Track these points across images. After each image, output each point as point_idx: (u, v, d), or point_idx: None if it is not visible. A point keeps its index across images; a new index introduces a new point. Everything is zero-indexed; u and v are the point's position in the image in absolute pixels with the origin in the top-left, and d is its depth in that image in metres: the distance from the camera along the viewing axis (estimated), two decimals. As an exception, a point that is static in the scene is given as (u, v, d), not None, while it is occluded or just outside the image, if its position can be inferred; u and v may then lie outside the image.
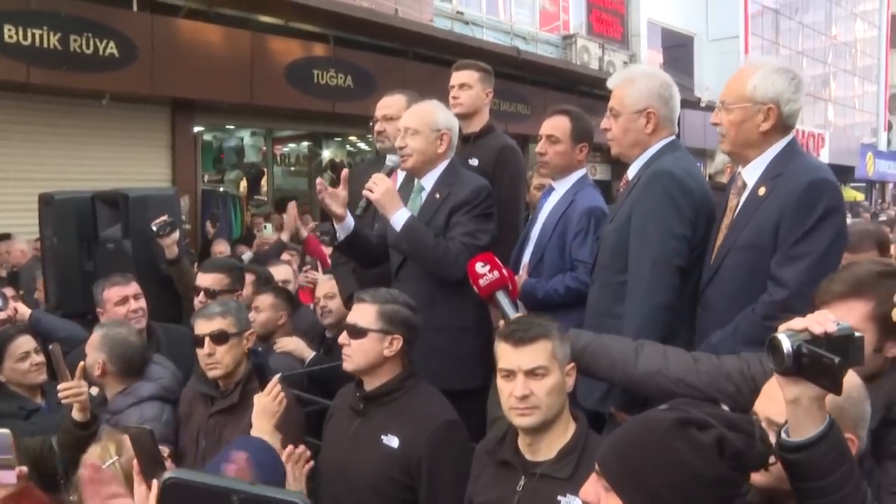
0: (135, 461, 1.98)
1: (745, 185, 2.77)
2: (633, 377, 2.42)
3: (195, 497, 1.40)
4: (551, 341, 2.32)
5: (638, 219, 2.90)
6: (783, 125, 2.70)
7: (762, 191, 2.67)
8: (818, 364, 1.52)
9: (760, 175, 2.71)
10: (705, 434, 1.50)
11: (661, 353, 2.43)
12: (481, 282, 2.87)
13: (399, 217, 3.44)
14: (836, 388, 1.51)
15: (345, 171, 3.81)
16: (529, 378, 2.30)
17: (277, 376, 2.97)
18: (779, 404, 1.68)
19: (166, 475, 1.42)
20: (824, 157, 26.25)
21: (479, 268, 2.83)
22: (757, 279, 2.63)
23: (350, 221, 3.64)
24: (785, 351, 1.55)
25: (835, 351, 1.51)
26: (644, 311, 2.79)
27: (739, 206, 2.75)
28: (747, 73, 2.71)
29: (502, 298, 2.84)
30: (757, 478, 1.67)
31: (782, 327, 1.61)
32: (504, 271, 2.87)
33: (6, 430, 2.66)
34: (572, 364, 2.36)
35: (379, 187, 3.45)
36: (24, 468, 2.61)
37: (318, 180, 3.65)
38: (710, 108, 19.22)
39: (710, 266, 2.79)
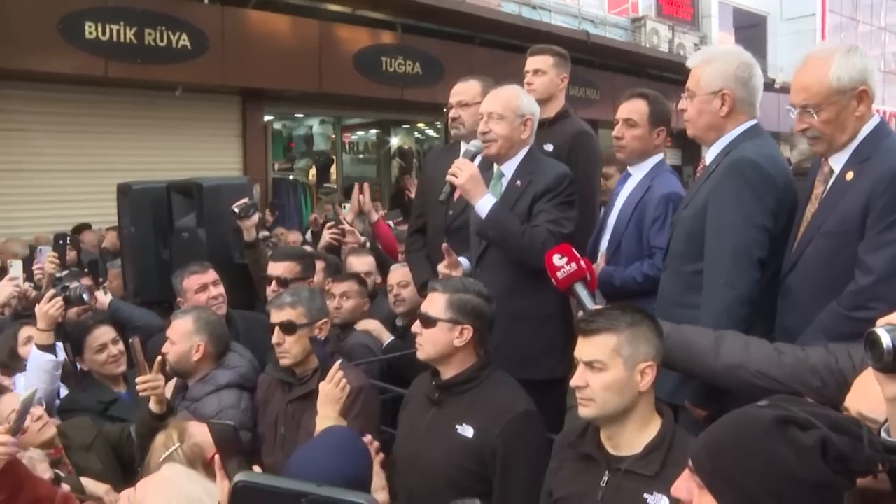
0: (217, 456, 2.01)
1: (831, 171, 2.64)
2: (714, 370, 2.34)
3: (265, 499, 1.45)
4: (616, 336, 2.24)
5: (717, 208, 2.79)
6: (871, 102, 2.57)
7: (850, 175, 2.55)
8: None
9: (848, 159, 2.58)
10: (807, 435, 1.41)
11: (744, 344, 2.33)
12: (559, 274, 2.79)
13: (484, 203, 3.38)
14: None
15: (445, 245, 3.72)
16: (587, 369, 2.26)
17: (338, 363, 2.99)
18: (871, 399, 1.59)
19: (237, 478, 1.49)
20: (906, 138, 25.26)
21: (557, 260, 2.76)
22: (841, 266, 2.51)
23: (466, 265, 3.64)
24: (885, 346, 1.45)
25: None
26: (723, 304, 2.69)
27: (826, 193, 2.64)
28: (822, 66, 2.55)
29: (581, 290, 2.76)
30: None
31: (881, 321, 1.51)
32: (582, 262, 2.79)
33: (33, 389, 2.74)
34: (649, 362, 2.25)
35: (464, 172, 3.39)
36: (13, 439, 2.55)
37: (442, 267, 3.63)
38: (784, 89, 18.63)
39: (793, 254, 2.68)
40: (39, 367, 3.64)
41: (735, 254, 2.70)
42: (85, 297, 3.92)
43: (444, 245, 3.63)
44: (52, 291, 3.82)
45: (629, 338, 2.24)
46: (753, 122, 2.97)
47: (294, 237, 8.38)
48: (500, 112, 3.49)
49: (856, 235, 2.48)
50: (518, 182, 3.51)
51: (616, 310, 2.36)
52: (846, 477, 1.44)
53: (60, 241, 4.81)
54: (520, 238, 3.33)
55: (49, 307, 3.71)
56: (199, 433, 2.68)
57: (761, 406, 1.52)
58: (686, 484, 1.54)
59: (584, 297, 2.75)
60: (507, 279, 3.36)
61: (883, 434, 1.54)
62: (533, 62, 4.25)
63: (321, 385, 2.90)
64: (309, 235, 8.73)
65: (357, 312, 4.52)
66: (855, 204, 2.49)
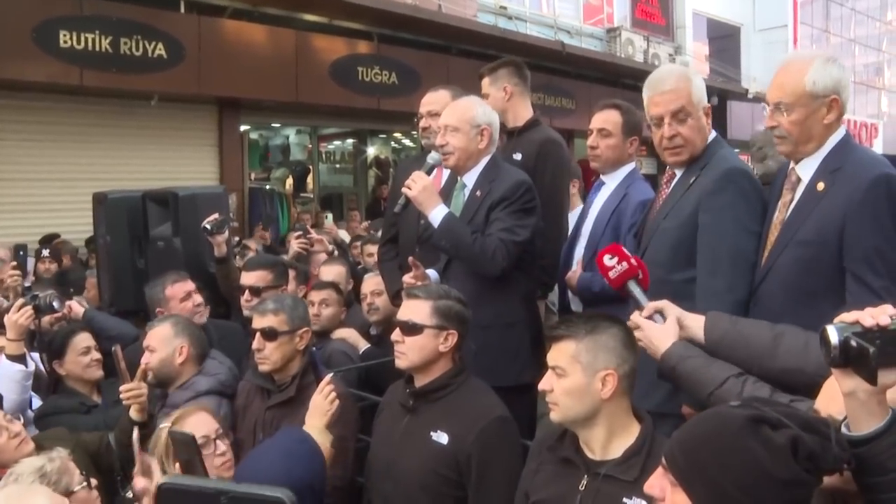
0: (177, 465, 2.02)
1: (799, 179, 2.68)
2: (771, 372, 2.26)
3: (188, 499, 1.51)
4: (575, 343, 2.28)
5: (712, 216, 2.81)
6: (842, 114, 2.62)
7: (821, 186, 2.58)
8: (864, 356, 1.48)
9: (817, 169, 2.61)
10: (779, 434, 1.46)
11: (803, 344, 2.24)
12: (611, 274, 2.67)
13: (437, 214, 3.43)
14: (872, 380, 1.48)
15: (411, 258, 3.71)
16: (553, 374, 2.31)
17: (329, 375, 3.00)
18: (840, 402, 1.62)
19: (161, 481, 1.56)
20: (878, 147, 25.67)
21: (608, 260, 2.64)
22: (815, 273, 2.55)
23: (434, 275, 3.64)
24: (832, 342, 1.51)
25: (891, 345, 1.47)
26: (726, 309, 2.66)
27: (795, 202, 2.66)
28: (800, 69, 2.60)
29: (634, 288, 2.63)
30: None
31: (836, 319, 1.57)
32: (632, 260, 2.66)
33: None
34: (609, 370, 2.27)
35: (417, 185, 3.45)
36: None
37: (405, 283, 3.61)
38: (757, 99, 18.93)
39: (764, 262, 2.70)
40: (9, 378, 3.60)
41: (733, 259, 2.74)
42: (55, 304, 3.90)
43: (411, 258, 3.65)
44: (21, 301, 3.80)
45: (588, 345, 2.28)
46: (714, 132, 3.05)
47: (255, 245, 8.37)
48: (454, 124, 3.54)
49: (833, 246, 2.51)
50: (478, 192, 3.55)
51: (580, 317, 2.42)
52: (815, 475, 1.48)
53: (21, 253, 4.78)
54: (471, 247, 3.38)
55: (18, 316, 3.69)
56: (202, 426, 2.82)
57: (734, 406, 1.56)
58: (659, 481, 1.57)
59: (638, 294, 2.63)
60: (473, 288, 3.37)
61: (843, 429, 1.59)
62: (482, 86, 4.30)
63: (312, 398, 2.90)
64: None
65: (335, 320, 4.53)
66: (830, 214, 2.52)
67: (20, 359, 3.66)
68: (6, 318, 3.76)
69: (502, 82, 4.26)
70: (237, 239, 7.78)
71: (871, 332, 1.50)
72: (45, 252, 6.93)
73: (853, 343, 1.49)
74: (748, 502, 1.45)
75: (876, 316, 1.51)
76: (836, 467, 1.51)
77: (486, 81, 4.28)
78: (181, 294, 4.21)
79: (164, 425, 2.80)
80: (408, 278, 3.61)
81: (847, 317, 1.55)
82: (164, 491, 1.52)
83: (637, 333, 2.41)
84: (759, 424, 1.47)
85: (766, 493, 1.45)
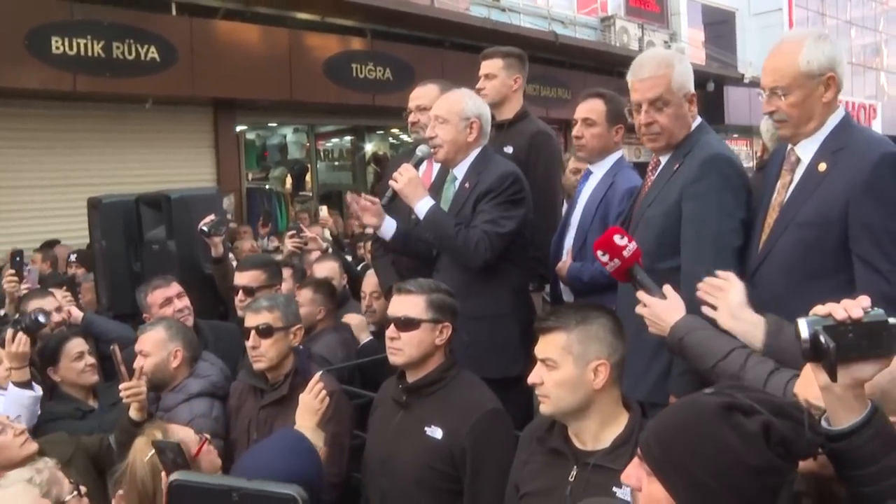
0: (163, 474, 2.02)
1: (799, 160, 2.65)
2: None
3: (199, 496, 1.51)
4: (566, 334, 2.28)
5: (696, 203, 2.79)
6: (839, 90, 2.59)
7: (822, 166, 2.55)
8: (828, 351, 1.48)
9: (818, 149, 2.59)
10: (751, 420, 1.45)
11: (764, 377, 2.17)
12: (608, 269, 2.59)
13: (422, 206, 3.45)
14: (832, 376, 1.48)
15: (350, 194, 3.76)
16: (543, 367, 2.31)
17: (318, 374, 3.00)
18: (817, 387, 1.61)
19: (172, 478, 1.53)
20: (877, 128, 25.54)
21: (601, 256, 2.55)
22: (817, 255, 2.53)
23: (390, 223, 3.66)
24: (802, 336, 1.50)
25: (865, 338, 1.47)
26: None
27: (795, 183, 2.63)
28: (793, 50, 2.57)
29: (638, 273, 2.53)
30: (801, 463, 1.62)
31: (811, 311, 1.56)
32: (625, 252, 2.50)
33: None
34: (601, 361, 2.27)
35: (403, 177, 3.47)
36: None
37: (349, 196, 3.63)
38: (753, 84, 18.85)
39: (763, 244, 2.68)
40: (20, 404, 3.58)
41: (717, 246, 2.73)
42: (41, 319, 3.88)
43: (350, 194, 3.67)
44: (10, 332, 3.74)
45: (579, 336, 2.27)
46: (700, 118, 3.02)
47: (248, 245, 8.37)
48: (444, 116, 3.56)
49: (836, 227, 2.49)
50: (467, 184, 3.57)
51: (569, 308, 2.40)
52: (788, 460, 1.48)
53: (17, 259, 4.78)
54: (453, 239, 3.39)
55: (16, 346, 3.64)
56: (181, 431, 2.72)
57: (707, 393, 1.56)
58: (635, 471, 1.57)
59: (643, 277, 2.53)
60: (462, 279, 3.39)
61: (823, 423, 1.59)
62: (483, 66, 4.27)
63: (301, 396, 2.91)
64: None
65: (310, 319, 4.41)
66: (833, 195, 2.49)
67: (26, 384, 3.66)
68: (5, 353, 3.72)
69: (515, 71, 4.27)
70: (275, 246, 7.77)
71: (844, 326, 1.49)
72: (72, 257, 6.90)
73: (821, 338, 1.48)
74: (722, 490, 1.44)
75: (849, 308, 1.50)
76: (809, 452, 1.51)
77: (497, 63, 4.23)
78: (160, 300, 4.20)
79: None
80: (367, 218, 3.62)
81: (820, 309, 1.54)
82: (175, 487, 1.52)
83: (642, 311, 2.40)
84: (731, 412, 1.47)
85: (739, 479, 1.44)
